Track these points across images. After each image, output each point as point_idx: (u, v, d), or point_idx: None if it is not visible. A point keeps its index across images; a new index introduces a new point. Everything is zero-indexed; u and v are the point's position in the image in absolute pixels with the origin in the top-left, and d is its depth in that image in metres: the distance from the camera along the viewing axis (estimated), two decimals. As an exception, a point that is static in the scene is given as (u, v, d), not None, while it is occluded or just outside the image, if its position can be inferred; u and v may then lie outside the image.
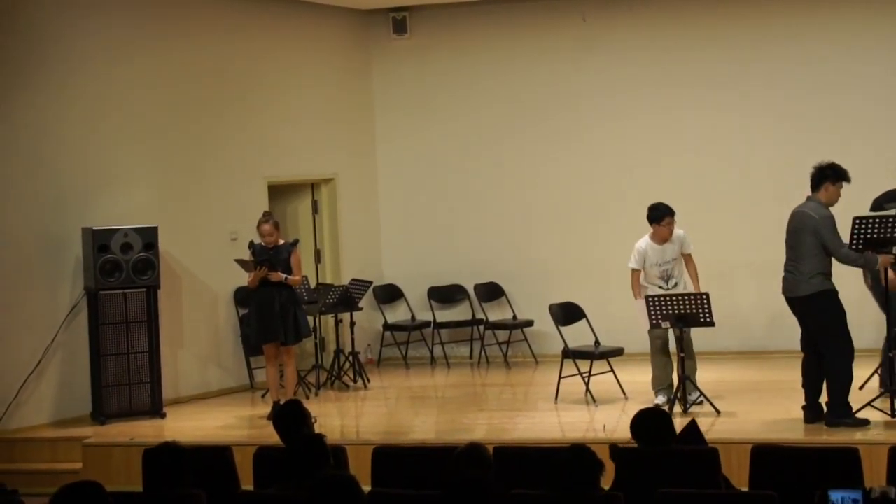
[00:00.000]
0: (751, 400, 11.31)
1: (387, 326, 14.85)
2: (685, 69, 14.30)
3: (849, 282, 10.54)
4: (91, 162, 12.25)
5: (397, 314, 15.07)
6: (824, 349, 9.85)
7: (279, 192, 14.27)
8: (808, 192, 9.97)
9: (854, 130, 13.58)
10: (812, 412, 9.99)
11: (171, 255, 12.67)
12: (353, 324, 13.30)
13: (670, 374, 11.11)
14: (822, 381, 9.93)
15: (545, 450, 7.65)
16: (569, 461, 6.17)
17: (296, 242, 11.94)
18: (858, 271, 10.63)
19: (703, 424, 8.97)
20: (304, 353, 13.49)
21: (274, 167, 14.01)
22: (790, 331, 10.44)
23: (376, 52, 15.30)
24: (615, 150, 14.49)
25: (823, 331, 9.86)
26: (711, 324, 10.70)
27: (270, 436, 8.23)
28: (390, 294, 15.07)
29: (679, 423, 7.71)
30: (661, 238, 11.18)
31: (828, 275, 9.84)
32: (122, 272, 11.87)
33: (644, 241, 11.25)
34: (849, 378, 9.86)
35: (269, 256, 11.51)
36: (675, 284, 11.18)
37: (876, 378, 10.89)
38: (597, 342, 11.93)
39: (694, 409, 10.66)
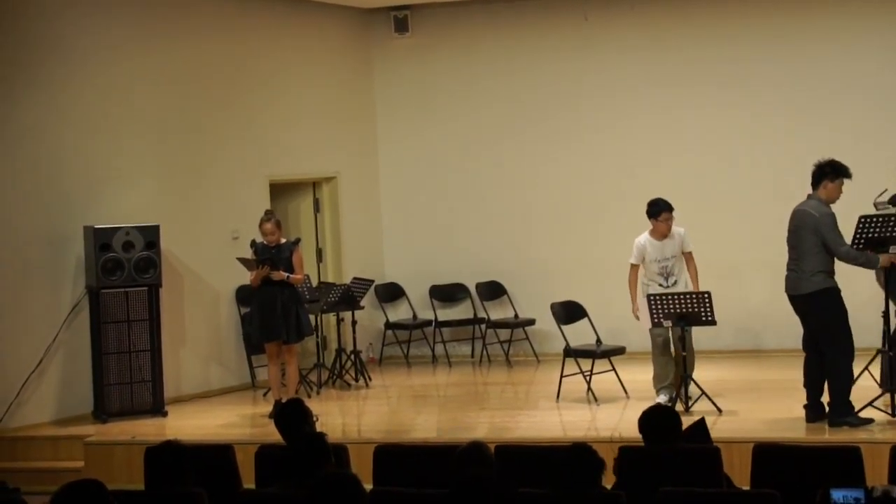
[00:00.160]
0: (752, 399, 11.31)
1: (388, 325, 14.86)
2: (686, 69, 14.29)
3: (859, 281, 10.53)
4: (93, 160, 12.25)
5: (399, 313, 15.08)
6: (825, 347, 9.84)
7: (281, 190, 14.27)
8: (809, 191, 9.97)
9: (854, 129, 13.56)
10: (814, 411, 9.98)
11: (172, 253, 12.67)
12: (354, 322, 13.31)
13: (671, 373, 11.10)
14: (823, 381, 9.92)
15: (546, 448, 7.66)
16: (570, 460, 6.17)
17: (297, 241, 11.94)
18: (870, 272, 10.55)
19: (705, 423, 8.97)
20: (305, 351, 13.49)
21: (275, 166, 14.01)
22: (792, 330, 10.42)
23: (378, 51, 15.30)
24: (616, 149, 14.49)
25: (825, 329, 9.84)
26: (713, 322, 10.71)
27: (272, 434, 8.22)
28: (392, 293, 15.07)
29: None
30: (660, 234, 11.18)
31: (830, 273, 9.81)
32: (124, 271, 11.88)
33: (643, 237, 11.26)
34: (850, 377, 9.86)
35: (271, 255, 11.51)
36: (675, 282, 11.17)
37: (868, 376, 10.82)
38: (598, 341, 11.94)
39: (694, 407, 10.66)
